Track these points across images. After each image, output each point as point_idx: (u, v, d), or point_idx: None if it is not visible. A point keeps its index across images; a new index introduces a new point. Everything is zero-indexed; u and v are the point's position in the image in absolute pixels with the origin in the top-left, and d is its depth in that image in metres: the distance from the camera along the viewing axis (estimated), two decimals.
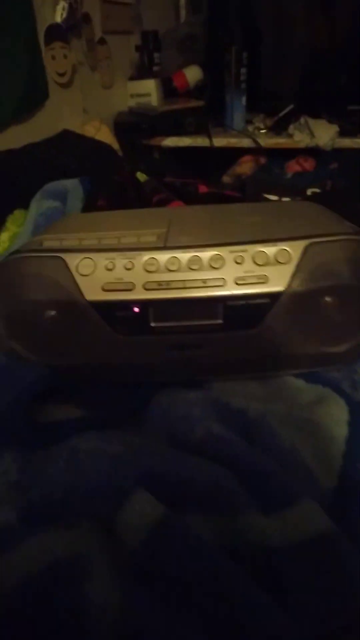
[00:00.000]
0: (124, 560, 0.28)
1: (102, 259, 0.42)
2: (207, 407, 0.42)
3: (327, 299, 0.43)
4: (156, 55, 1.58)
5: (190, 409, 0.42)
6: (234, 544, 0.30)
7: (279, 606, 0.27)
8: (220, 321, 0.42)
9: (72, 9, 1.19)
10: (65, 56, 1.24)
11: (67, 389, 0.45)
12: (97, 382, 0.47)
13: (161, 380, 0.46)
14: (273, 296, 0.42)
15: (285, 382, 0.47)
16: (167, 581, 0.27)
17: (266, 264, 0.42)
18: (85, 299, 0.41)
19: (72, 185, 0.89)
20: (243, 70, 1.45)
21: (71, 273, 0.42)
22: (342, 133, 1.36)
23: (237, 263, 0.42)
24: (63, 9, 1.17)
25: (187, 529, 0.29)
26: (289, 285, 0.41)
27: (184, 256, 0.42)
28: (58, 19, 1.17)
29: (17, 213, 0.87)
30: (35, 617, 0.25)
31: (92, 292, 0.41)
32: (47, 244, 0.46)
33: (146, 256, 0.42)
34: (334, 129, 1.34)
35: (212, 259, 0.42)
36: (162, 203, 0.91)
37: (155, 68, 1.57)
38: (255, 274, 0.42)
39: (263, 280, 0.42)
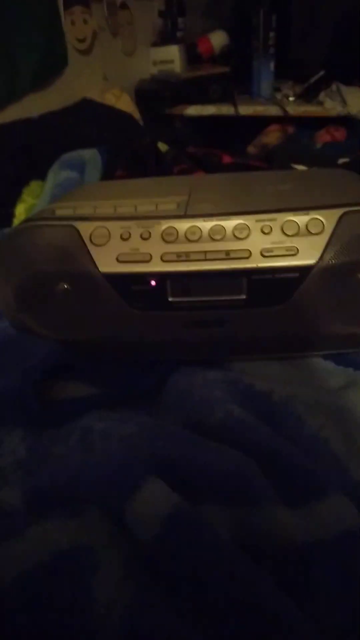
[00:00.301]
0: (133, 554, 0.26)
1: (117, 228, 0.39)
2: (228, 389, 0.39)
3: None
4: (180, 20, 1.51)
5: (210, 390, 0.39)
6: (254, 539, 0.28)
7: (302, 610, 0.25)
8: (244, 297, 0.39)
9: None
10: (85, 21, 1.19)
11: (79, 365, 0.42)
12: (111, 359, 0.45)
13: (179, 359, 0.44)
14: (303, 270, 0.38)
15: (313, 363, 0.44)
16: (179, 579, 0.24)
17: (296, 234, 0.38)
18: (99, 271, 0.39)
19: (90, 155, 0.86)
20: (271, 34, 1.37)
21: (84, 243, 0.39)
22: None
23: (264, 233, 0.38)
24: None
25: (203, 522, 0.26)
26: (322, 258, 0.38)
27: (206, 225, 0.39)
28: None
29: (34, 184, 0.84)
30: (35, 613, 0.23)
31: (106, 264, 0.39)
32: (60, 212, 0.43)
33: (164, 225, 0.39)
34: None
35: (236, 228, 0.39)
36: (183, 173, 0.87)
37: (179, 33, 1.50)
38: (284, 245, 0.38)
39: (293, 252, 0.38)
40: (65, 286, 0.41)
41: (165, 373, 0.43)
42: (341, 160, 0.95)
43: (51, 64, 1.09)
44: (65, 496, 0.28)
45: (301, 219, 0.38)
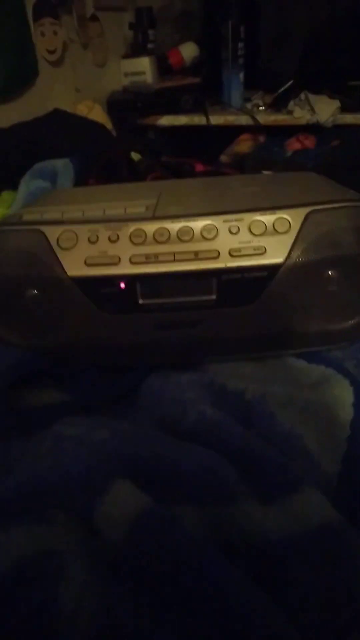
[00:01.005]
0: (102, 557, 0.26)
1: (84, 232, 0.39)
2: (201, 390, 0.39)
3: (330, 271, 0.40)
4: (150, 32, 1.52)
5: (183, 392, 0.39)
6: (228, 536, 0.27)
7: (278, 604, 0.24)
8: (213, 297, 0.39)
9: None
10: (55, 33, 1.19)
11: (50, 372, 0.42)
12: (83, 365, 0.44)
13: (151, 362, 0.43)
14: (271, 269, 0.38)
15: (286, 362, 0.44)
16: (150, 580, 0.24)
17: (264, 233, 0.39)
18: (67, 275, 0.38)
19: (62, 165, 0.86)
20: (240, 45, 1.39)
21: (51, 247, 0.39)
22: (344, 109, 1.31)
23: (232, 233, 0.39)
24: None
25: (173, 522, 0.26)
26: (289, 257, 0.38)
27: (174, 227, 0.39)
28: None
29: (6, 194, 0.84)
30: (1, 620, 0.23)
31: (74, 267, 0.38)
32: (27, 217, 0.43)
33: (132, 227, 0.39)
34: (335, 104, 1.29)
35: (204, 229, 0.39)
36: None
37: (149, 45, 1.52)
38: (251, 244, 0.38)
39: (260, 251, 0.38)
40: (34, 291, 0.40)
41: (139, 377, 0.42)
42: (310, 167, 0.97)
43: (21, 75, 1.09)
44: (31, 503, 0.28)
45: (268, 218, 0.39)
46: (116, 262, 0.38)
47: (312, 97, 1.32)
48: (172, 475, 0.29)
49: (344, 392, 0.39)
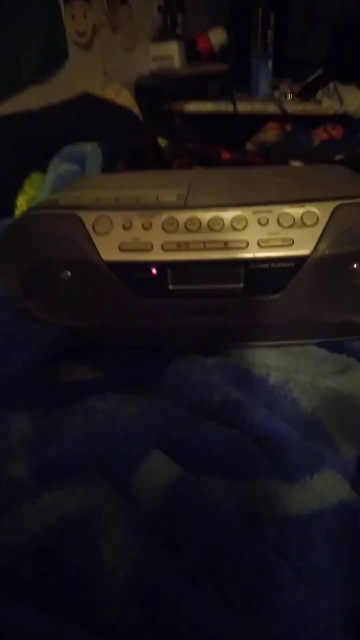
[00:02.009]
0: (138, 520, 0.28)
1: (119, 218, 0.41)
2: (226, 373, 0.41)
3: (355, 265, 0.41)
4: (179, 16, 1.51)
5: (209, 375, 0.41)
6: (253, 507, 0.29)
7: (300, 573, 0.26)
8: (241, 285, 0.40)
9: None
10: (85, 15, 1.20)
11: (83, 350, 0.44)
12: (114, 345, 0.46)
13: (179, 346, 0.45)
14: (298, 260, 0.40)
15: (308, 351, 0.45)
16: (182, 543, 0.26)
17: (292, 226, 0.40)
18: (102, 259, 0.40)
19: (91, 149, 0.87)
20: (270, 32, 1.38)
21: (87, 231, 0.40)
22: None
23: (261, 224, 0.40)
24: None
25: (204, 491, 0.28)
26: (316, 249, 0.39)
27: (205, 216, 0.40)
28: None
29: (35, 176, 0.85)
30: (47, 571, 0.25)
31: (109, 252, 0.40)
32: (63, 201, 0.44)
33: (165, 215, 0.40)
34: None
35: (234, 219, 0.40)
36: (182, 169, 0.88)
37: (178, 30, 1.51)
38: (279, 236, 0.40)
39: (288, 243, 0.40)
40: (69, 273, 0.42)
41: (166, 359, 0.44)
42: (337, 158, 0.97)
43: (52, 58, 1.10)
44: (72, 467, 0.30)
45: (296, 211, 0.40)
46: (149, 248, 0.40)
47: (340, 87, 1.30)
48: (200, 450, 0.31)
49: None
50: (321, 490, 0.30)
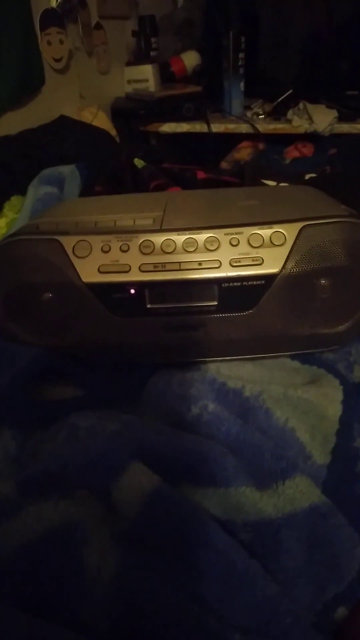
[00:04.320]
0: (120, 528, 0.29)
1: (97, 241, 0.43)
2: (203, 387, 0.42)
3: (322, 280, 0.44)
4: (153, 40, 1.56)
5: (187, 389, 0.42)
6: (228, 514, 0.31)
7: (272, 573, 0.28)
8: (215, 303, 0.43)
9: None
10: (61, 41, 1.23)
11: (65, 370, 0.45)
12: (95, 364, 0.48)
13: (158, 362, 0.47)
14: (268, 278, 0.42)
15: (281, 363, 0.48)
16: (162, 548, 0.28)
17: (261, 246, 0.42)
18: (82, 281, 0.42)
19: (69, 171, 0.89)
20: (241, 55, 1.43)
21: (67, 255, 0.42)
22: (341, 118, 1.35)
23: (233, 245, 0.42)
24: None
25: (181, 499, 0.29)
26: (284, 267, 0.42)
27: (180, 238, 0.43)
28: (53, 3, 1.16)
29: (14, 199, 0.87)
30: (35, 579, 0.26)
31: (89, 274, 0.42)
32: (43, 227, 0.46)
33: (142, 238, 0.43)
34: (332, 114, 1.34)
35: (207, 241, 0.42)
36: (159, 189, 0.90)
37: (152, 53, 1.55)
38: (250, 255, 0.42)
39: (258, 262, 0.42)
40: (50, 295, 0.44)
41: (146, 376, 0.46)
42: (308, 176, 1.01)
43: (29, 83, 1.13)
44: (57, 482, 0.31)
45: (265, 232, 0.42)
46: (127, 270, 0.42)
47: (310, 106, 1.36)
48: (177, 461, 0.33)
49: (334, 391, 0.43)
50: (292, 495, 0.32)
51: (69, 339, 0.44)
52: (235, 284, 0.42)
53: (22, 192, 0.86)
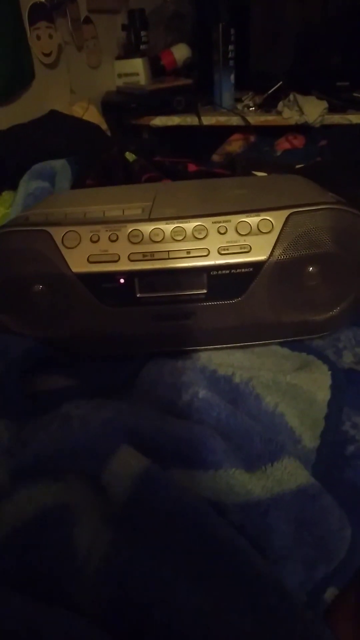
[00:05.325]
0: (110, 509, 0.30)
1: (86, 232, 0.43)
2: (194, 374, 0.43)
3: (310, 267, 0.44)
4: (143, 33, 1.55)
5: (178, 377, 0.43)
6: (218, 496, 0.31)
7: (262, 552, 0.29)
8: (204, 291, 0.43)
9: None
10: (50, 36, 1.23)
11: (57, 360, 0.46)
12: (87, 354, 0.48)
13: (149, 351, 0.47)
14: (256, 265, 0.42)
15: (271, 350, 0.48)
16: (151, 529, 0.28)
17: (249, 233, 0.43)
18: (72, 271, 0.42)
19: (60, 166, 0.89)
20: (231, 47, 1.43)
21: (57, 246, 0.43)
22: (331, 109, 1.36)
23: (221, 233, 0.43)
24: None
25: (171, 480, 0.30)
26: (272, 254, 0.42)
27: (168, 227, 0.43)
28: None
29: (6, 194, 0.87)
30: (28, 561, 0.27)
31: (78, 264, 0.42)
32: (33, 218, 0.46)
33: (130, 228, 0.43)
34: (322, 105, 1.34)
35: (195, 229, 0.43)
36: (151, 182, 0.90)
37: (142, 47, 1.55)
38: (238, 243, 0.42)
39: (246, 249, 0.42)
40: (41, 287, 0.44)
41: (138, 365, 0.46)
42: (298, 167, 1.01)
43: (18, 78, 1.12)
44: (48, 466, 0.32)
45: (253, 220, 0.43)
46: (116, 259, 0.42)
47: (300, 98, 1.36)
48: (167, 444, 0.33)
49: (323, 376, 0.43)
50: (281, 476, 0.33)
51: (61, 330, 0.45)
52: (224, 271, 0.42)
53: (13, 187, 0.86)
